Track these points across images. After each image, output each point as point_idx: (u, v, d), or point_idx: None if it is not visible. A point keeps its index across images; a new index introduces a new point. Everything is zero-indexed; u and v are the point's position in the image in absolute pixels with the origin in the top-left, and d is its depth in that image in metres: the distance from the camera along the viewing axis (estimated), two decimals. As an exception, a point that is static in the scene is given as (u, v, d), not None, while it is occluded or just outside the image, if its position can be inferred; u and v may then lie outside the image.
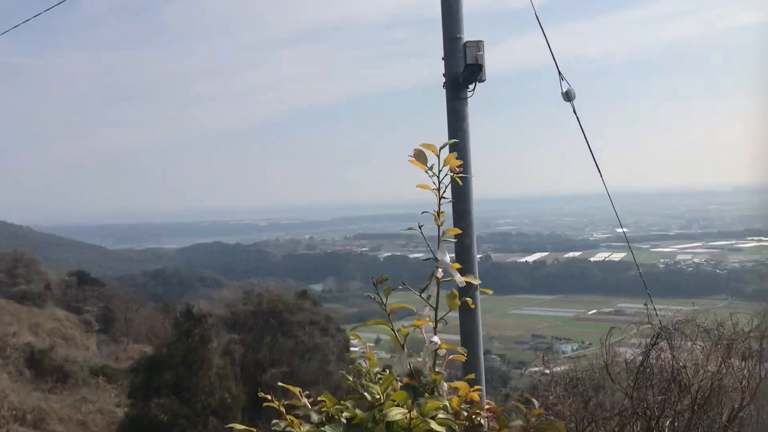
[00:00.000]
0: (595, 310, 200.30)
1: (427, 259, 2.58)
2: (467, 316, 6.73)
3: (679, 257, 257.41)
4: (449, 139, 4.93)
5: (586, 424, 6.88)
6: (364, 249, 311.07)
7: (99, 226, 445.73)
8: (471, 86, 6.50)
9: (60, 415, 26.08)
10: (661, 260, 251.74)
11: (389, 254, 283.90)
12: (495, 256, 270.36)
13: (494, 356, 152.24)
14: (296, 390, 2.74)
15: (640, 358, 7.44)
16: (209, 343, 14.06)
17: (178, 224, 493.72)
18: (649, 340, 7.54)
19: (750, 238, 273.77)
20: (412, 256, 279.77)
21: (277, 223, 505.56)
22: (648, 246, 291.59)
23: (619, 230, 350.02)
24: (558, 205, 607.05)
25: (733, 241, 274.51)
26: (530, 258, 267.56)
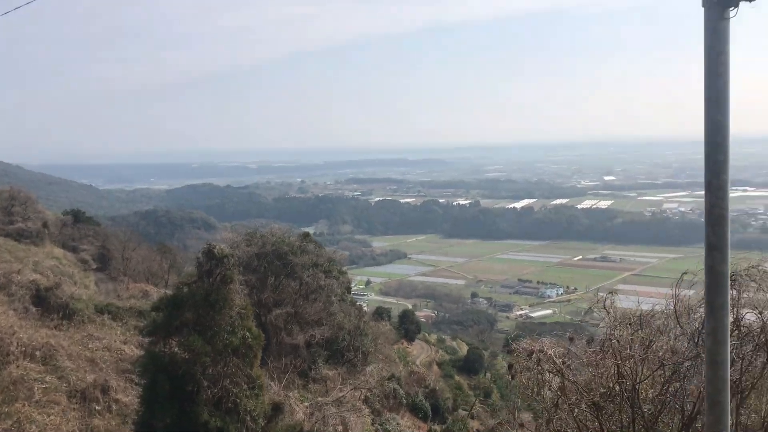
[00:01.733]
0: (580, 257, 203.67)
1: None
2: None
3: (666, 206, 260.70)
4: (706, 66, 4.66)
5: (650, 367, 6.89)
6: (355, 193, 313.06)
7: (88, 165, 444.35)
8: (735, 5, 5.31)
9: (68, 351, 26.97)
10: (648, 208, 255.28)
11: (380, 199, 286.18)
12: (484, 201, 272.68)
13: (481, 299, 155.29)
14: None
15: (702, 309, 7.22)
16: (231, 283, 14.74)
17: (168, 165, 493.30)
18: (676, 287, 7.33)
19: (735, 188, 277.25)
20: (403, 200, 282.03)
21: (268, 166, 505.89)
22: (635, 194, 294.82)
23: (608, 178, 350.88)
24: (546, 153, 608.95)
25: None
26: (518, 204, 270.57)
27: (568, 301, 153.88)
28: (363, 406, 22.88)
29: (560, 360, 6.42)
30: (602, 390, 6.40)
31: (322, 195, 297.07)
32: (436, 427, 32.75)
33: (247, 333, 14.88)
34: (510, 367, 7.15)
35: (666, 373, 6.79)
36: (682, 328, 7.00)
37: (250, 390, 14.94)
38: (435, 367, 58.74)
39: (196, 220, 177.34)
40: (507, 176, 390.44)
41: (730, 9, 4.92)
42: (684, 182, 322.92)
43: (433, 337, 74.95)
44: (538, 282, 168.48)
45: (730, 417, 4.82)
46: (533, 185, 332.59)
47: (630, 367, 6.69)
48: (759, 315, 7.01)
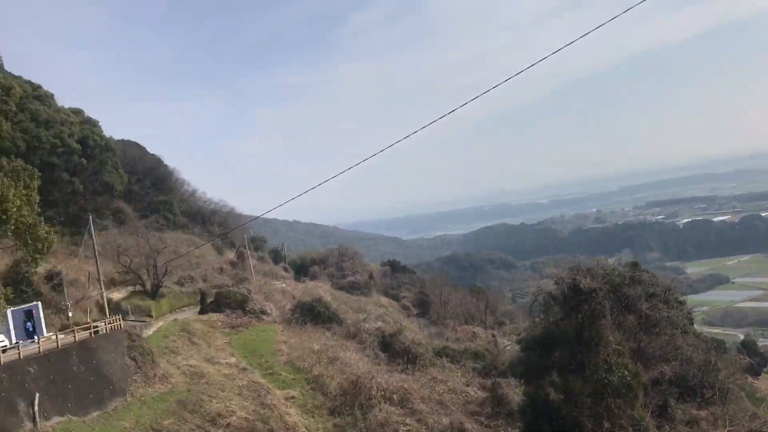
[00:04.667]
0: None
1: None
2: None
3: None
4: None
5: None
6: (658, 217, 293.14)
7: (391, 219, 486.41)
8: None
9: (420, 394, 28.42)
10: None
11: (689, 220, 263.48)
12: None
13: None
14: None
15: None
16: (602, 318, 14.00)
17: (461, 211, 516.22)
18: None
19: None
20: (716, 219, 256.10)
21: (559, 200, 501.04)
22: None
23: None
24: None
25: None
26: None
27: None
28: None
29: None
30: None
31: (621, 222, 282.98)
32: None
33: (625, 371, 13.94)
34: None
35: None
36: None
37: (635, 433, 13.88)
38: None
39: (495, 261, 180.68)
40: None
41: None
42: None
43: (786, 371, 65.33)
44: None
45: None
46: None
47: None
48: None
